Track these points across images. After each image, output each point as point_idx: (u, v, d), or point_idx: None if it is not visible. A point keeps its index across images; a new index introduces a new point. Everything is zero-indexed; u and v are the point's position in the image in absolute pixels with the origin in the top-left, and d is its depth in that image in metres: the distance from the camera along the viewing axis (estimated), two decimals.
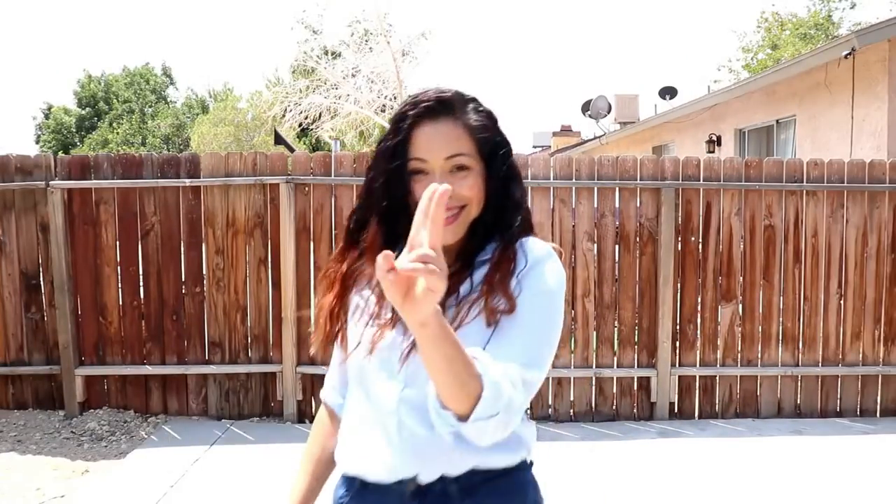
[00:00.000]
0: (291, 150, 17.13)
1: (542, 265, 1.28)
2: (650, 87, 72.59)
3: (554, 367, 4.96)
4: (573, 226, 4.93)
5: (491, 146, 1.31)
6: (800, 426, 4.89)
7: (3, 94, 64.50)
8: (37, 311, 4.95)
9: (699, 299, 5.00)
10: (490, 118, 1.33)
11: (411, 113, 1.27)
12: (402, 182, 1.28)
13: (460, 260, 1.30)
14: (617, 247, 4.96)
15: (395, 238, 1.28)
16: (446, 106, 1.28)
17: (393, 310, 1.26)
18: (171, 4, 77.44)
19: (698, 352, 5.03)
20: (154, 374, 4.95)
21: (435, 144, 1.27)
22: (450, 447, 1.21)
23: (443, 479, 1.27)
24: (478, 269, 1.29)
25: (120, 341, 4.93)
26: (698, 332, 5.01)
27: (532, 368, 1.19)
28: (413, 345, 1.22)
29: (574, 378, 4.98)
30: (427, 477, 1.26)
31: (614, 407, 5.04)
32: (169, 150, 32.03)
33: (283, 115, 16.42)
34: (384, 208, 1.31)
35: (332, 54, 18.43)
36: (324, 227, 4.87)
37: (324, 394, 1.56)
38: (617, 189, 4.94)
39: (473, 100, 1.33)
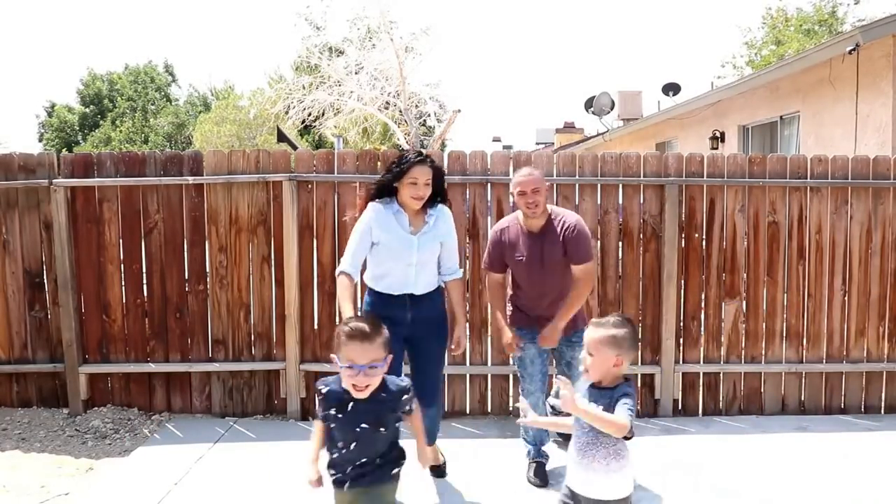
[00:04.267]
0: (294, 147, 17.13)
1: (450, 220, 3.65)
2: (653, 84, 72.28)
3: None
4: None
5: (440, 176, 3.49)
6: (804, 423, 4.88)
7: (6, 92, 64.62)
8: (40, 309, 4.96)
9: (703, 296, 4.99)
10: (440, 167, 3.52)
11: (412, 158, 3.43)
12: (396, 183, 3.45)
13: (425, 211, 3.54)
14: (620, 244, 4.95)
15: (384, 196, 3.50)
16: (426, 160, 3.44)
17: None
18: (173, 1, 77.45)
19: (702, 349, 5.02)
20: (158, 372, 4.96)
21: (423, 176, 3.39)
22: (425, 283, 3.53)
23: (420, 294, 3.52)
24: (431, 219, 3.54)
25: (123, 339, 4.94)
26: (702, 328, 5.01)
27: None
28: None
29: None
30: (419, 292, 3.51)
31: None
32: (171, 148, 32.04)
33: (286, 113, 16.42)
34: (386, 190, 3.48)
35: (336, 51, 18.43)
36: (327, 224, 4.87)
37: (346, 269, 3.45)
38: (620, 186, 4.93)
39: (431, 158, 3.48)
